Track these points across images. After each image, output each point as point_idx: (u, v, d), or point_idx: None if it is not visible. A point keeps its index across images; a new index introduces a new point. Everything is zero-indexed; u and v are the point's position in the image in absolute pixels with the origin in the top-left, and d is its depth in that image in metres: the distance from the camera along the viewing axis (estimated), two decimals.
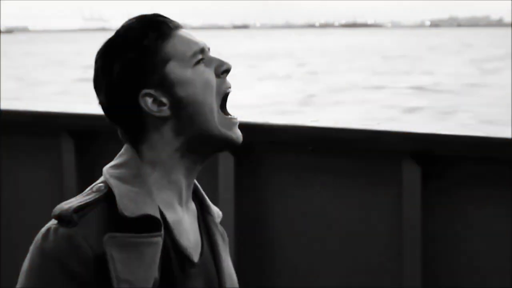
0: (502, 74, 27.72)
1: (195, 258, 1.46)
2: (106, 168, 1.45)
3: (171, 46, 1.43)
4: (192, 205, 1.51)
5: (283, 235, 2.59)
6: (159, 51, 1.42)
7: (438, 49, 52.18)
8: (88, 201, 1.38)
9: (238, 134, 1.47)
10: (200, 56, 1.44)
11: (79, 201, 1.39)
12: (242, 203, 2.63)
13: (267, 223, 2.61)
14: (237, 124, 1.47)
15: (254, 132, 2.52)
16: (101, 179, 1.44)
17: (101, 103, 1.46)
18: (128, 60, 1.42)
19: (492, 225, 2.27)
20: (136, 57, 1.42)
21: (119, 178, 1.41)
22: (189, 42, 1.45)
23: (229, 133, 1.45)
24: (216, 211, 1.57)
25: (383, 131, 2.39)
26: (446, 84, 24.80)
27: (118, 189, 1.39)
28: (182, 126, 1.43)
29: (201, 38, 1.50)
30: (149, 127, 1.43)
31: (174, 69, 1.43)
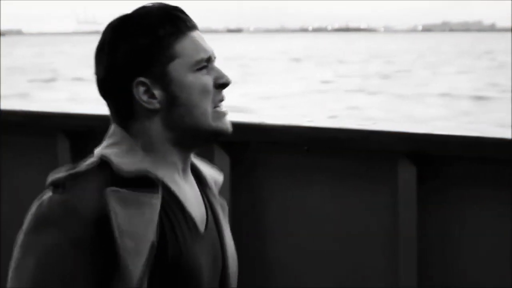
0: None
1: (201, 228, 1.47)
2: (98, 149, 1.44)
3: (182, 45, 1.43)
4: (192, 178, 1.52)
5: (279, 235, 2.59)
6: (169, 46, 1.42)
7: (371, 52, 55.12)
8: (81, 169, 1.39)
9: (228, 125, 1.47)
10: (204, 63, 1.45)
11: (72, 169, 1.40)
12: (237, 203, 2.63)
13: (263, 223, 2.61)
14: (227, 114, 1.48)
15: (250, 132, 2.52)
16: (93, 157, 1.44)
17: (97, 75, 1.45)
18: (138, 44, 1.42)
19: (487, 225, 2.27)
20: (146, 44, 1.42)
21: (115, 154, 1.41)
22: (199, 47, 1.45)
23: (219, 124, 1.46)
24: (213, 179, 1.57)
25: (379, 131, 2.40)
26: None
27: (115, 156, 1.40)
28: (171, 121, 1.43)
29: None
30: (139, 114, 1.43)
31: (177, 68, 1.42)
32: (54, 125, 2.97)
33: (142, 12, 1.44)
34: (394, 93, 23.73)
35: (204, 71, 1.45)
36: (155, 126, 1.43)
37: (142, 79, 1.42)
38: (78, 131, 2.93)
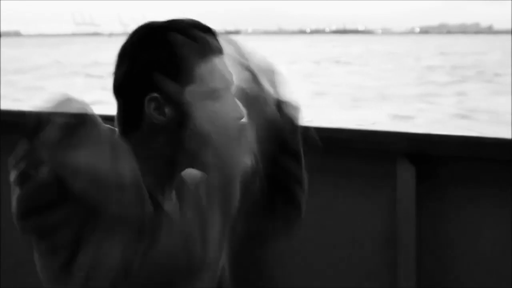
0: None
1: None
2: None
3: (201, 70, 1.41)
4: (174, 196, 1.51)
5: None
6: (189, 69, 1.41)
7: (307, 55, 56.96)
8: None
9: None
10: (219, 93, 1.43)
11: None
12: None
13: None
14: None
15: None
16: None
17: (114, 78, 1.44)
18: (159, 60, 1.40)
19: (487, 225, 2.27)
20: (166, 62, 1.40)
21: None
22: (218, 75, 1.43)
23: None
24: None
25: (378, 131, 2.40)
26: None
27: None
28: (174, 140, 1.42)
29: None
30: (145, 125, 1.43)
31: (191, 93, 1.41)
32: None
33: (170, 26, 1.42)
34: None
35: (219, 100, 1.43)
36: (157, 141, 1.43)
37: (156, 95, 1.40)
38: None
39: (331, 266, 2.51)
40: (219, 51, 1.45)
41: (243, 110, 1.48)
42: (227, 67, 1.46)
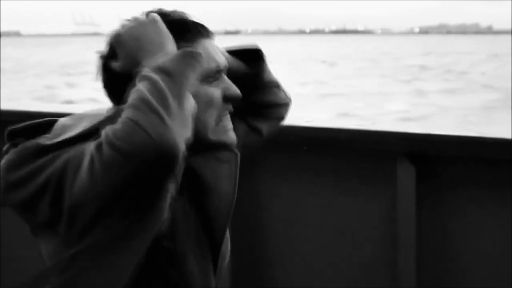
0: None
1: None
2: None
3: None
4: None
5: (277, 235, 2.59)
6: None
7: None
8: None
9: (230, 138, 1.48)
10: (214, 75, 1.43)
11: None
12: (236, 203, 2.62)
13: (262, 223, 2.61)
14: (229, 130, 1.47)
15: None
16: None
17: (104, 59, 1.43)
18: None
19: (487, 225, 2.27)
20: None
21: None
22: (210, 57, 1.43)
23: (220, 137, 1.45)
24: None
25: (378, 131, 2.40)
26: None
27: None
28: None
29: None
30: None
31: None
32: None
33: (158, 15, 1.41)
34: None
35: (213, 83, 1.43)
36: None
37: None
38: None
39: (331, 266, 2.51)
40: (208, 34, 1.45)
41: (238, 90, 1.48)
42: (217, 50, 1.46)
